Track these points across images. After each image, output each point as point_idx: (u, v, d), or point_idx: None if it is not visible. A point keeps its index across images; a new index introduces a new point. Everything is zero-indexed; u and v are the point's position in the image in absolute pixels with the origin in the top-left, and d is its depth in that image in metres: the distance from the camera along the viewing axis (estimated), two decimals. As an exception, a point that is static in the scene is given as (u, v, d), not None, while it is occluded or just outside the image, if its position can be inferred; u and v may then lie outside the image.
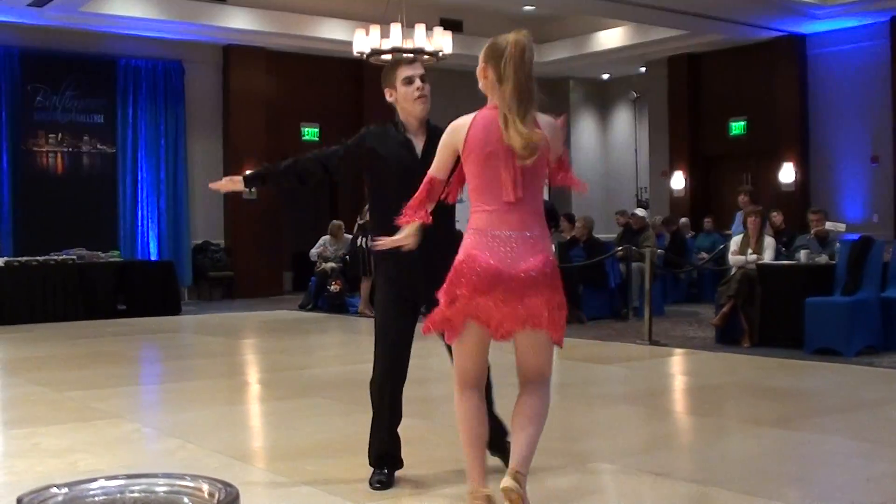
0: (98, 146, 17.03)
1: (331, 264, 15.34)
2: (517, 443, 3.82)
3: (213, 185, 4.93)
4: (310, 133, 19.07)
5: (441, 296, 3.82)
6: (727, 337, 10.32)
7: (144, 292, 14.80)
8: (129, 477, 1.99)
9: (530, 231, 3.78)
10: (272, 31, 17.34)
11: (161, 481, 1.97)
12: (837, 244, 10.39)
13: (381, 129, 4.61)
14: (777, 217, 13.12)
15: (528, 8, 18.76)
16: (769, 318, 10.06)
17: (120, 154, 17.13)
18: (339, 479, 4.80)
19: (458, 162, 3.89)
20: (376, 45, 13.64)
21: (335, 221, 16.17)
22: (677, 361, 9.44)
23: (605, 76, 22.12)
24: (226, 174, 17.72)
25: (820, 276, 9.95)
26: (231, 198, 18.01)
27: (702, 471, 4.89)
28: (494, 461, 4.42)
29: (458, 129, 3.83)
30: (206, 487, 1.93)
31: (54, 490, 1.92)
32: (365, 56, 13.94)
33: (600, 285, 12.87)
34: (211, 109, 18.13)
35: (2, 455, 5.70)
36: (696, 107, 19.46)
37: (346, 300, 14.91)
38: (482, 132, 3.77)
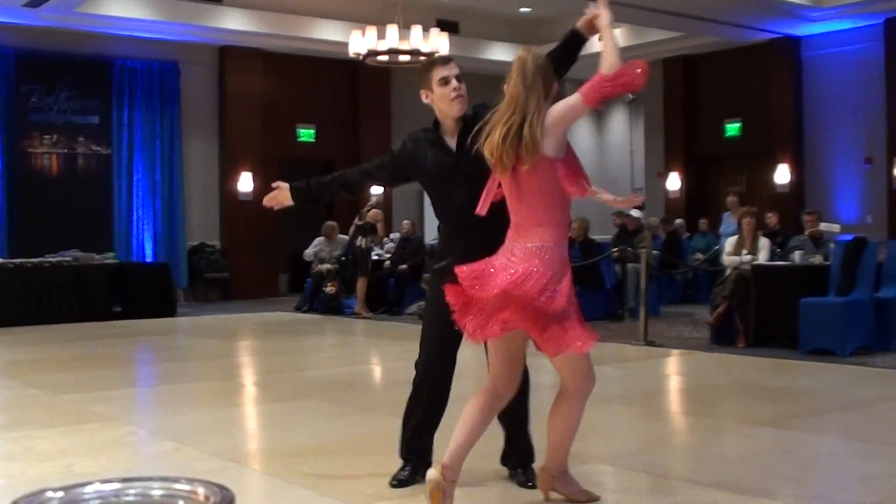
0: (93, 147, 17.02)
1: (326, 266, 15.34)
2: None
3: (267, 202, 5.06)
4: (306, 134, 19.07)
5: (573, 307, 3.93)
6: (722, 337, 10.33)
7: (140, 294, 14.78)
8: (124, 480, 1.99)
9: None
10: (268, 33, 17.34)
11: (156, 484, 1.97)
12: (832, 245, 10.41)
13: (418, 132, 4.61)
14: (772, 218, 13.13)
15: (524, 10, 18.79)
16: (764, 318, 10.08)
17: (115, 155, 17.12)
18: (336, 481, 4.80)
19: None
20: (372, 47, 13.65)
21: (328, 222, 16.17)
22: (673, 362, 9.46)
23: (601, 78, 22.07)
24: (221, 175, 17.97)
25: (814, 277, 9.97)
26: (227, 199, 18.03)
27: (698, 471, 4.90)
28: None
29: None
30: (201, 491, 1.93)
31: (49, 494, 1.92)
32: (361, 57, 13.95)
33: (596, 286, 12.90)
34: (207, 110, 18.13)
35: (-3, 457, 5.70)
36: (691, 108, 19.48)
37: (342, 302, 14.91)
38: None
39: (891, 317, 9.63)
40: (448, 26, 16.28)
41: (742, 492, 4.44)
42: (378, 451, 5.60)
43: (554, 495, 4.24)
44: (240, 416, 7.13)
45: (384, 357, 10.82)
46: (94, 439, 5.87)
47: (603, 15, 4.03)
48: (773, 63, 17.92)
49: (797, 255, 10.42)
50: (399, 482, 4.59)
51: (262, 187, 18.03)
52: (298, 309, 15.55)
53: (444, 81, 4.35)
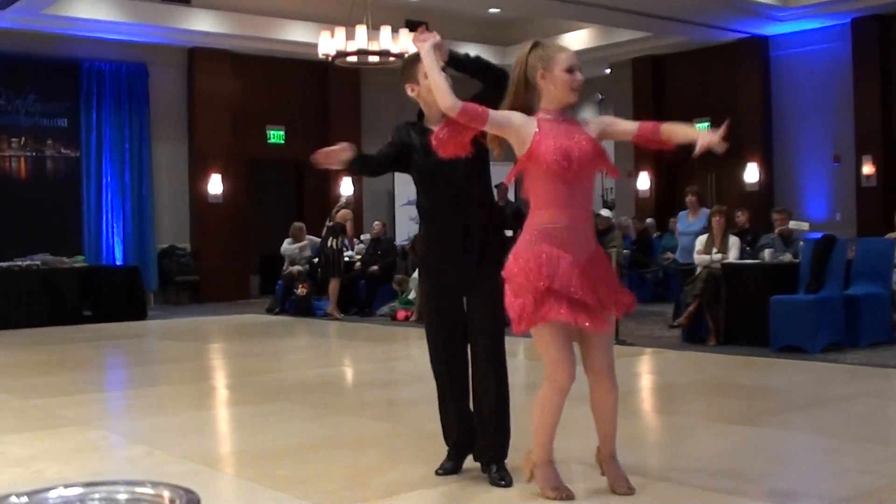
0: (62, 150, 16.90)
1: (297, 267, 15.31)
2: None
3: (321, 157, 4.90)
4: (275, 135, 19.02)
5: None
6: (693, 336, 10.38)
7: (110, 297, 14.68)
8: (88, 485, 1.96)
9: None
10: (237, 34, 17.27)
11: (121, 488, 1.95)
12: (801, 243, 10.48)
13: (405, 125, 4.69)
14: (741, 217, 13.21)
15: (493, 10, 18.79)
16: (734, 316, 10.13)
17: (84, 158, 17.01)
18: (309, 483, 4.77)
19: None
20: (341, 48, 13.62)
21: (296, 223, 16.16)
22: (644, 361, 9.48)
23: (571, 77, 22.12)
24: (191, 177, 17.89)
25: (784, 275, 10.02)
26: (197, 201, 17.95)
27: (669, 469, 4.91)
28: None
29: None
30: (166, 494, 1.91)
31: (13, 499, 1.90)
32: (330, 58, 13.91)
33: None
34: (176, 112, 18.04)
35: (-35, 463, 5.64)
36: (660, 108, 19.54)
37: (313, 303, 14.88)
38: None
39: (860, 314, 9.71)
40: (416, 27, 16.25)
41: (714, 489, 4.45)
42: (351, 453, 5.59)
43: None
44: (211, 418, 7.09)
45: (356, 358, 10.80)
46: (64, 444, 5.82)
47: (423, 53, 4.20)
48: (742, 63, 18.02)
49: (767, 254, 10.48)
50: (444, 471, 4.68)
51: (232, 189, 18.02)
52: (270, 311, 15.52)
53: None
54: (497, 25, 20.05)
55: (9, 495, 1.90)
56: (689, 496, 4.39)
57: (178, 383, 8.68)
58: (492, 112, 4.07)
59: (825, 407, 6.73)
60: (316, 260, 14.89)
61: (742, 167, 18.03)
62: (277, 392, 7.77)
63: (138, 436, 6.11)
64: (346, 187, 18.98)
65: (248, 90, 18.50)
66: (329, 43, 13.70)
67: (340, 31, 13.62)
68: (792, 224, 11.17)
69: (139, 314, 14.84)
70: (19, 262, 14.28)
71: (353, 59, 13.92)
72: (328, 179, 19.19)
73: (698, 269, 10.73)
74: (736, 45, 17.92)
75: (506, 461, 4.55)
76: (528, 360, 9.22)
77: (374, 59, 13.78)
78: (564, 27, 19.02)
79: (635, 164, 19.91)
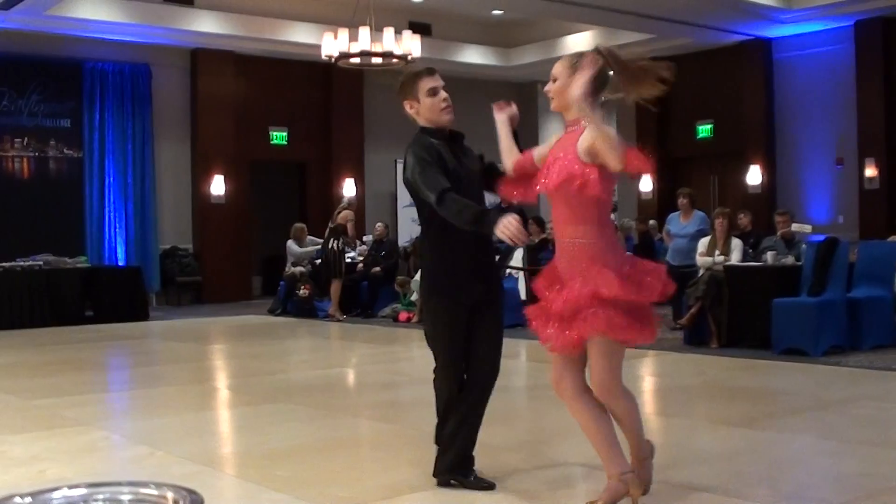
0: (65, 151, 16.90)
1: (300, 268, 15.31)
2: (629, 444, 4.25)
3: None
4: (278, 137, 19.02)
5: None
6: (695, 338, 10.37)
7: (112, 298, 14.69)
8: (91, 485, 1.97)
9: None
10: (240, 35, 17.26)
11: (125, 489, 1.95)
12: (803, 245, 10.47)
13: (424, 137, 4.44)
14: (744, 219, 13.19)
15: (496, 12, 18.80)
16: (737, 319, 10.12)
17: (87, 158, 17.01)
18: (310, 484, 4.78)
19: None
20: (344, 49, 13.61)
21: (297, 224, 16.17)
22: (646, 363, 9.47)
23: (574, 80, 22.12)
24: (193, 178, 17.90)
25: (786, 277, 10.02)
26: (199, 202, 17.95)
27: (671, 471, 4.91)
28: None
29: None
30: (170, 495, 1.91)
31: (17, 500, 1.90)
32: (333, 59, 13.91)
33: (570, 287, 12.89)
34: (179, 113, 18.04)
35: (-33, 464, 5.64)
36: (663, 110, 19.53)
37: (315, 304, 14.88)
38: None
39: (862, 317, 9.71)
40: (420, 28, 16.28)
41: (716, 492, 4.45)
42: (353, 454, 5.60)
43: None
44: (213, 419, 7.09)
45: (358, 360, 10.80)
46: (66, 444, 5.83)
47: (499, 122, 4.40)
48: (745, 65, 18.01)
49: (769, 256, 10.47)
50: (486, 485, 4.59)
51: (235, 190, 18.03)
52: (272, 312, 15.52)
53: (433, 92, 4.38)
54: (500, 27, 20.05)
55: (12, 496, 1.90)
56: (691, 499, 4.39)
57: (180, 384, 8.68)
58: (533, 153, 4.27)
59: (827, 410, 6.73)
60: (318, 261, 14.89)
61: (745, 169, 18.03)
62: (279, 393, 7.78)
63: (140, 436, 6.12)
64: (348, 188, 18.98)
65: (251, 91, 18.51)
66: (332, 44, 13.70)
67: (344, 33, 13.62)
68: (794, 226, 11.16)
69: (141, 315, 14.84)
70: (21, 262, 14.29)
71: (357, 60, 13.93)
72: (330, 180, 19.19)
73: (700, 272, 10.72)
74: (739, 48, 17.92)
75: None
76: (530, 363, 9.22)
77: (378, 60, 13.78)
78: (567, 29, 19.02)
79: (638, 166, 19.88)
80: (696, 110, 18.97)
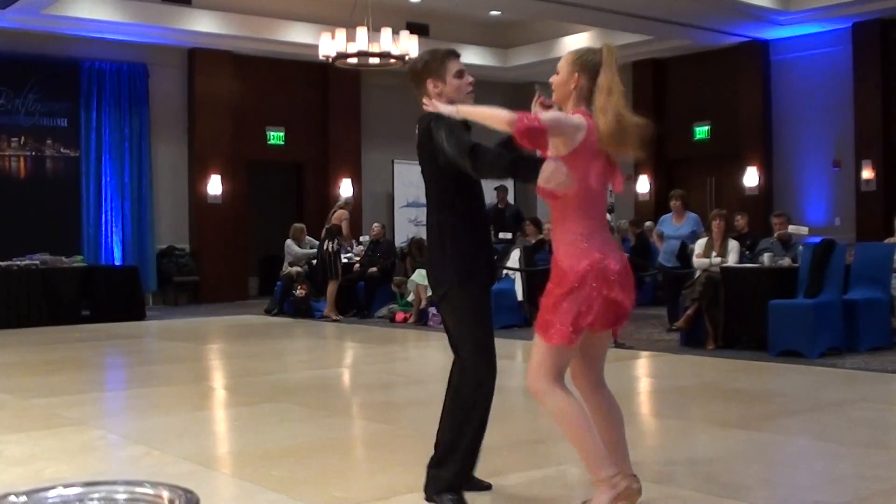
0: (62, 150, 16.89)
1: (296, 268, 15.30)
2: (621, 444, 4.10)
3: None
4: (275, 137, 19.00)
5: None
6: (692, 339, 10.37)
7: (109, 298, 14.68)
8: (87, 484, 1.96)
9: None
10: (237, 35, 17.26)
11: (120, 488, 1.95)
12: (800, 247, 10.48)
13: (444, 118, 4.24)
14: (741, 220, 13.21)
15: (494, 13, 18.81)
16: (733, 320, 10.12)
17: (84, 158, 16.99)
18: (306, 484, 4.77)
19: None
20: (342, 49, 13.61)
21: (296, 224, 16.17)
22: (642, 364, 9.48)
23: (571, 81, 22.13)
24: (190, 178, 17.89)
25: (783, 279, 10.02)
26: (196, 202, 17.94)
27: (668, 472, 4.91)
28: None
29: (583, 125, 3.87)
30: (166, 494, 1.91)
31: (12, 498, 1.90)
32: (331, 59, 13.91)
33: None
34: (176, 113, 18.03)
35: (-37, 463, 5.64)
36: (660, 111, 19.54)
37: (312, 304, 14.87)
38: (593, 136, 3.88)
39: (859, 318, 9.71)
40: (418, 29, 16.27)
41: (712, 493, 4.45)
42: (349, 454, 5.60)
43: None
44: (210, 419, 7.09)
45: (354, 360, 10.80)
46: (63, 444, 5.82)
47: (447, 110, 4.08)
48: (742, 66, 18.03)
49: (766, 258, 10.48)
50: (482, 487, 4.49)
51: (232, 190, 18.02)
52: (268, 312, 15.51)
53: (460, 74, 4.28)
54: (498, 27, 20.07)
55: (7, 494, 1.90)
56: (687, 500, 4.38)
57: (177, 384, 8.67)
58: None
59: (823, 411, 6.73)
60: (315, 261, 14.88)
61: (742, 171, 18.04)
62: (275, 393, 7.77)
63: (136, 436, 6.11)
64: (345, 188, 18.96)
65: (249, 91, 18.50)
66: (329, 44, 13.69)
67: (341, 33, 13.62)
68: (791, 228, 11.17)
69: (138, 314, 14.83)
70: (18, 262, 14.27)
71: (354, 60, 13.92)
72: (327, 181, 19.18)
73: (697, 273, 10.73)
74: (737, 49, 17.93)
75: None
76: (526, 363, 9.21)
77: (375, 60, 13.77)
78: (564, 30, 19.03)
79: (635, 167, 19.92)
80: (693, 112, 18.99)
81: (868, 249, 10.77)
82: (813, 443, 5.72)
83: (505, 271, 13.04)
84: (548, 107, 4.04)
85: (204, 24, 16.88)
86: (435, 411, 4.38)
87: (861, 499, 4.40)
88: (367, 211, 19.36)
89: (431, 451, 4.30)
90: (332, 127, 19.25)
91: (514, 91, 20.26)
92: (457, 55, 4.37)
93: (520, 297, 12.73)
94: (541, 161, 3.95)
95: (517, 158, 4.07)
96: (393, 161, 19.00)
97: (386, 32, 13.55)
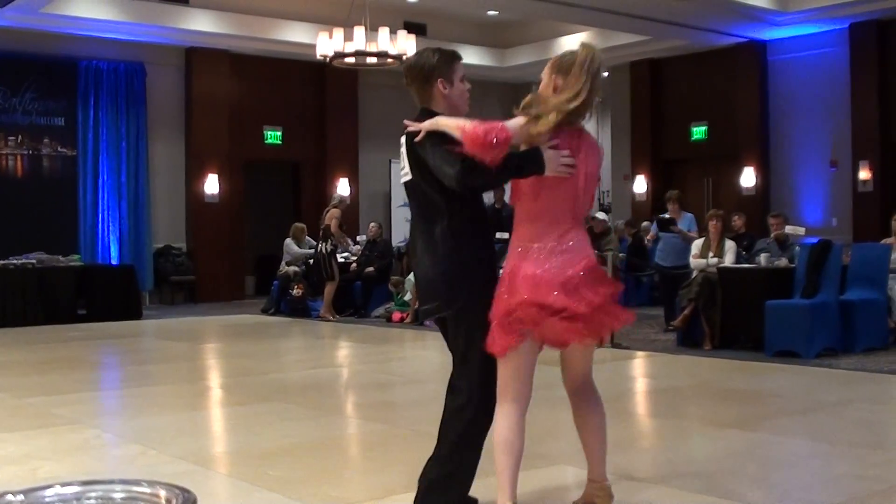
0: (59, 149, 16.87)
1: (293, 268, 15.30)
2: (596, 451, 4.04)
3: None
4: (273, 136, 18.99)
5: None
6: (688, 340, 10.38)
7: (105, 297, 14.67)
8: (84, 483, 1.97)
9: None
10: (235, 34, 17.25)
11: (117, 487, 1.95)
12: (797, 248, 10.49)
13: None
14: (737, 221, 13.22)
15: (491, 13, 18.80)
16: (730, 320, 10.14)
17: (81, 157, 16.97)
18: (303, 483, 4.77)
19: None
20: (339, 49, 13.60)
21: (297, 224, 16.16)
22: (639, 364, 9.49)
23: (568, 81, 22.13)
24: (187, 177, 17.87)
25: (780, 280, 10.03)
26: (193, 201, 17.93)
27: (663, 472, 4.91)
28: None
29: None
30: (163, 493, 1.91)
31: (10, 497, 1.90)
32: (328, 59, 13.90)
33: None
34: (173, 112, 18.01)
35: (-41, 461, 5.63)
36: (657, 111, 19.57)
37: (308, 304, 14.86)
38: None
39: (855, 319, 9.72)
40: (416, 28, 16.26)
41: (708, 493, 4.46)
42: (345, 454, 5.60)
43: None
44: (206, 418, 7.09)
45: (351, 360, 10.80)
46: (59, 443, 5.82)
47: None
48: (739, 67, 18.03)
49: (763, 258, 10.49)
50: None
51: (229, 189, 18.01)
52: (265, 311, 15.51)
53: (462, 80, 4.18)
54: (496, 27, 20.06)
55: (5, 494, 1.90)
56: (684, 500, 4.39)
57: (173, 383, 8.67)
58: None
59: (820, 412, 6.74)
60: (311, 261, 14.87)
61: (739, 171, 18.05)
62: (272, 392, 7.77)
63: (132, 435, 6.11)
64: (342, 188, 18.95)
65: (246, 90, 18.48)
66: (327, 44, 13.68)
67: (339, 33, 13.60)
68: (788, 229, 11.18)
69: (134, 313, 14.82)
70: (14, 261, 14.25)
71: (351, 60, 13.91)
72: (324, 180, 19.17)
73: (694, 273, 10.74)
74: (734, 50, 17.93)
75: None
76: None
77: (372, 60, 13.76)
78: (562, 30, 19.02)
79: (632, 167, 19.93)
80: (690, 112, 18.99)
81: (865, 250, 10.78)
82: (809, 443, 5.73)
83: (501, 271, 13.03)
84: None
85: (201, 24, 16.86)
86: (432, 411, 4.37)
87: (857, 499, 4.41)
88: (363, 210, 19.35)
89: (428, 450, 4.12)
90: (329, 126, 19.23)
91: (511, 91, 20.25)
92: (461, 58, 4.28)
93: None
94: (536, 153, 3.78)
95: (521, 155, 3.83)
96: (390, 161, 18.97)
97: (383, 32, 13.54)
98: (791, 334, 9.37)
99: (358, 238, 16.56)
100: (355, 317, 14.53)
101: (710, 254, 10.69)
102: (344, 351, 11.55)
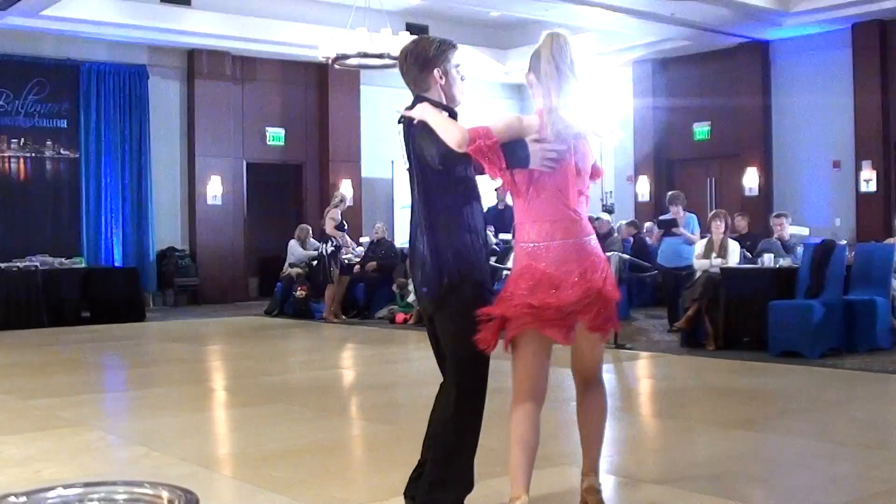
0: (61, 151, 16.88)
1: (296, 269, 15.30)
2: (591, 445, 4.05)
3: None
4: (275, 138, 18.99)
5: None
6: (692, 340, 10.36)
7: (109, 299, 14.67)
8: (87, 485, 1.96)
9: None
10: (237, 36, 17.25)
11: (120, 489, 1.95)
12: (800, 248, 10.48)
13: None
14: (741, 221, 13.21)
15: (493, 14, 18.79)
16: (733, 321, 10.12)
17: (83, 159, 16.97)
18: (306, 485, 4.77)
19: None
20: (341, 50, 13.61)
21: (302, 225, 16.16)
22: (643, 365, 9.48)
23: (571, 81, 22.11)
24: (190, 179, 17.88)
25: (783, 280, 10.02)
26: (196, 203, 17.93)
27: (668, 473, 4.91)
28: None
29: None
30: (165, 494, 1.91)
31: (12, 499, 1.90)
32: (330, 60, 13.91)
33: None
34: (175, 114, 18.02)
35: (-37, 464, 5.63)
36: (660, 112, 19.55)
37: (312, 306, 14.86)
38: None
39: (859, 319, 9.70)
40: (418, 30, 16.27)
41: (712, 493, 4.45)
42: (349, 455, 5.59)
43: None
44: (209, 420, 7.09)
45: (355, 361, 10.80)
46: (62, 445, 5.82)
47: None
48: (742, 67, 18.01)
49: (766, 258, 10.48)
50: None
51: (231, 191, 18.01)
52: (268, 313, 15.50)
53: (457, 69, 4.14)
54: (498, 29, 20.05)
55: (7, 495, 1.90)
56: (688, 500, 4.38)
57: (177, 385, 8.67)
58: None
59: (824, 412, 6.73)
60: (315, 263, 14.86)
61: (742, 171, 18.03)
62: (275, 394, 7.77)
63: (136, 437, 6.11)
64: (345, 189, 18.93)
65: (248, 92, 18.50)
66: (329, 45, 13.69)
67: (341, 34, 13.61)
68: (791, 229, 11.17)
69: (138, 316, 14.81)
70: (18, 263, 14.26)
71: (353, 61, 13.92)
72: (327, 181, 19.17)
73: (697, 273, 10.73)
74: (737, 50, 17.92)
75: None
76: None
77: (374, 61, 13.77)
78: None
79: (635, 168, 19.91)
80: (693, 112, 18.97)
81: (868, 250, 10.76)
82: (813, 443, 5.72)
83: (505, 272, 13.03)
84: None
85: (203, 26, 16.87)
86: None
87: (861, 499, 4.40)
88: (366, 212, 19.35)
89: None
90: (331, 127, 19.23)
91: (514, 91, 20.27)
92: (457, 47, 4.24)
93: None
94: (523, 145, 3.79)
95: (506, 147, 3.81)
96: (392, 162, 18.98)
97: (385, 33, 13.54)
98: (795, 335, 9.36)
99: (360, 239, 16.55)
100: (359, 318, 14.52)
101: (714, 254, 10.68)
102: (347, 352, 11.54)
